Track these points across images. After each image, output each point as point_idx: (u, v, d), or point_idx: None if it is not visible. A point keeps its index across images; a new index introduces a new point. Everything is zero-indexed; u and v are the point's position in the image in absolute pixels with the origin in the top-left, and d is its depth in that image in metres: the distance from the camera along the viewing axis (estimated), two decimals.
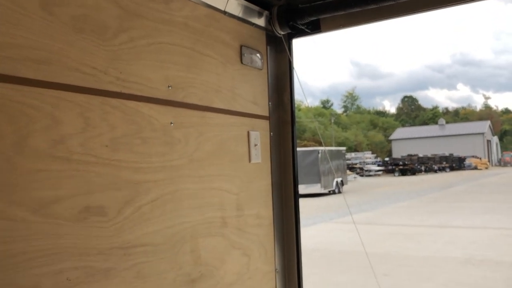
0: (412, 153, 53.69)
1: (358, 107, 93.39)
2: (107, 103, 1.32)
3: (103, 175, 1.30)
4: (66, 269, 1.19)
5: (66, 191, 1.20)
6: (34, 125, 1.14)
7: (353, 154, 51.41)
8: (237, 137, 1.85)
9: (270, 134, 2.06)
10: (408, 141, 66.67)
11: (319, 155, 23.57)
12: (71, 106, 1.22)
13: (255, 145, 1.94)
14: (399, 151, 63.02)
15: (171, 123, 1.54)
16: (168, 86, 1.54)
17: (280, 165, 2.09)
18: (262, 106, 2.02)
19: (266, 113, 2.04)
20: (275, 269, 2.03)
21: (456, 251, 8.87)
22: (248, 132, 1.91)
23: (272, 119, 2.07)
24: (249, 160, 1.90)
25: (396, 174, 43.47)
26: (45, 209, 1.15)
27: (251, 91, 1.95)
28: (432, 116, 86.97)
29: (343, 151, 28.77)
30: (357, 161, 47.71)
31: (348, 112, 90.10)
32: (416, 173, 43.68)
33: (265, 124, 2.03)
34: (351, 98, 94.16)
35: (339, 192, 24.98)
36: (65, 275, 1.19)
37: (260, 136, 1.98)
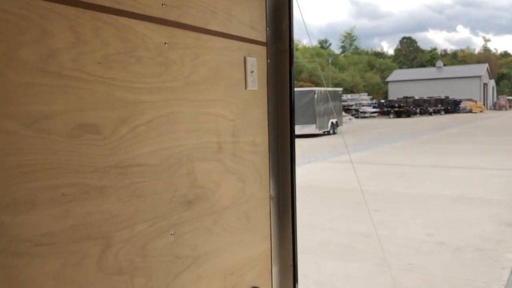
0: (408, 95, 53.59)
1: (356, 48, 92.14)
2: (98, 18, 1.28)
3: (96, 92, 1.28)
4: (62, 185, 1.20)
5: (59, 107, 1.18)
6: (23, 37, 1.10)
7: (349, 96, 51.31)
8: (233, 62, 1.82)
9: (267, 61, 2.02)
10: (405, 83, 66.37)
11: (315, 95, 23.51)
12: (61, 18, 1.18)
13: (252, 71, 1.91)
14: (395, 93, 62.88)
15: (165, 43, 1.50)
16: (162, 4, 1.48)
17: (277, 94, 2.07)
18: (259, 32, 1.97)
19: (264, 39, 1.99)
20: (270, 196, 2.05)
21: (447, 190, 9.06)
22: (245, 58, 1.87)
23: (270, 47, 2.03)
24: (245, 87, 1.87)
25: (391, 116, 43.61)
26: (39, 124, 1.14)
27: (249, 14, 1.89)
28: (430, 59, 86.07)
29: (340, 92, 28.66)
30: (353, 103, 47.69)
31: (346, 53, 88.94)
32: (411, 116, 43.83)
33: (262, 50, 1.99)
34: (349, 38, 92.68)
35: (334, 133, 25.16)
36: (61, 191, 1.20)
37: (257, 63, 1.94)
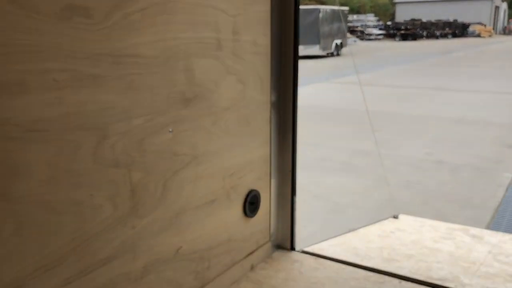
0: (416, 18, 52.00)
1: None
2: None
3: None
4: (52, 70, 1.14)
5: None
6: None
7: (355, 17, 49.82)
8: None
9: None
10: (413, 5, 64.17)
11: (320, 14, 22.78)
12: None
13: None
14: (403, 15, 60.97)
15: None
16: None
17: None
18: None
19: None
20: (271, 101, 2.00)
21: (450, 112, 9.02)
22: None
23: None
24: None
25: (397, 38, 42.62)
26: (24, 0, 1.06)
27: None
28: None
29: (346, 12, 27.76)
30: (359, 24, 46.43)
31: None
32: (417, 39, 42.82)
33: None
34: None
35: (338, 54, 24.69)
36: (51, 76, 1.14)
37: None
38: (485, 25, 53.05)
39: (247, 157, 1.91)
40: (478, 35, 48.63)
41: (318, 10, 22.85)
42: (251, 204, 1.95)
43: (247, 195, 1.93)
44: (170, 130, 1.52)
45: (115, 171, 1.35)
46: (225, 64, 1.72)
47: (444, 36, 46.25)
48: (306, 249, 2.18)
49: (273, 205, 2.13)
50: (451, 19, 50.81)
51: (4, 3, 1.03)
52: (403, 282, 1.91)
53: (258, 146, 1.98)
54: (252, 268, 2.00)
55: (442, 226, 2.55)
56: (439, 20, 49.72)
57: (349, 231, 2.48)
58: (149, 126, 1.44)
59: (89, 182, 1.28)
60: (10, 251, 1.11)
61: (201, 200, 1.69)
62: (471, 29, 49.76)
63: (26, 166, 1.12)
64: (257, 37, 1.86)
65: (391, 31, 44.73)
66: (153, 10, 1.39)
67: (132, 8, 1.32)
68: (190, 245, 1.67)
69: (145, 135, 1.43)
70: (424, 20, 49.57)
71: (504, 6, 65.52)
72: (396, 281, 1.92)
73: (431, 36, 45.07)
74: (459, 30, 48.48)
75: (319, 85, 13.19)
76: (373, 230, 2.46)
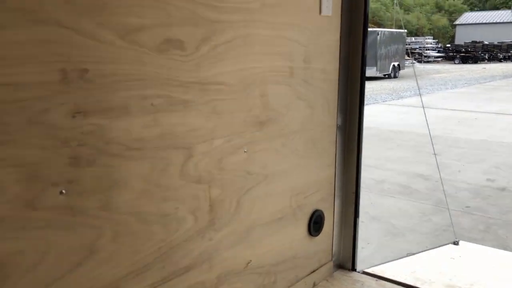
0: (477, 40, 50.45)
1: None
2: None
3: (181, 9, 1.34)
4: (150, 96, 1.29)
5: (149, 20, 1.26)
6: None
7: (413, 39, 48.99)
8: None
9: None
10: (474, 27, 62.31)
11: (378, 37, 22.64)
12: None
13: None
14: (463, 37, 59.27)
15: None
16: None
17: (351, 21, 2.05)
18: None
19: None
20: (337, 124, 2.09)
21: (511, 137, 8.70)
22: None
23: None
24: (320, 12, 1.87)
25: (456, 61, 41.45)
26: (131, 35, 1.22)
27: None
28: (505, 0, 79.84)
29: (404, 34, 27.40)
30: (417, 46, 45.57)
31: None
32: (478, 62, 41.47)
33: None
34: None
35: (395, 76, 24.35)
36: (150, 101, 1.29)
37: None
38: None
39: (313, 177, 2.00)
40: None
41: (376, 33, 22.73)
42: (315, 223, 2.03)
43: (312, 215, 2.01)
44: (245, 150, 1.64)
45: (198, 186, 1.48)
46: (296, 90, 1.83)
47: (508, 58, 44.54)
48: (367, 270, 2.22)
49: (336, 225, 2.20)
50: None
51: (116, 38, 1.19)
52: None
53: (324, 168, 2.06)
54: (314, 285, 2.07)
55: (505, 254, 2.51)
56: (502, 42, 48.02)
57: (408, 254, 2.50)
58: (227, 146, 1.57)
59: (176, 196, 1.41)
60: (108, 256, 1.25)
61: (270, 217, 1.80)
62: None
63: (125, 180, 1.27)
64: (326, 64, 1.97)
65: (451, 54, 43.59)
66: (236, 43, 1.53)
67: (218, 41, 1.46)
68: (258, 260, 1.77)
69: (223, 155, 1.56)
70: (486, 42, 48.05)
71: None
72: None
73: (493, 58, 43.52)
74: None
75: (376, 107, 13.08)
76: (434, 255, 2.47)
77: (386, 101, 14.33)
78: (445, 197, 4.83)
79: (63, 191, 1.13)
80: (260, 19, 1.61)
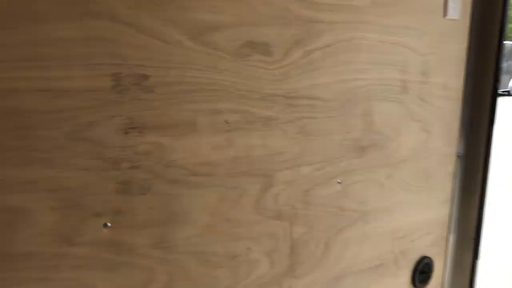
0: None
1: None
2: None
3: (270, 4, 1.09)
4: (225, 110, 1.06)
5: (228, 17, 1.02)
6: None
7: None
8: None
9: None
10: None
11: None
12: None
13: None
14: None
15: None
16: None
17: (483, 26, 1.68)
18: None
19: None
20: (457, 153, 1.73)
21: None
22: None
23: None
24: (444, 14, 1.53)
25: None
26: (204, 35, 0.99)
27: None
28: None
29: None
30: None
31: None
32: None
33: None
34: None
35: None
36: (223, 117, 1.06)
37: None
38: None
39: (422, 217, 1.67)
40: None
41: None
42: (421, 273, 1.69)
43: (418, 262, 1.68)
44: (339, 181, 1.36)
45: (276, 223, 1.23)
46: (409, 110, 1.51)
47: None
48: None
49: (448, 277, 1.83)
50: None
51: (185, 38, 0.97)
52: None
53: (437, 205, 1.72)
54: None
55: None
56: None
57: None
58: (317, 175, 1.29)
59: (248, 234, 1.17)
60: None
61: (365, 264, 1.49)
62: None
63: (186, 213, 1.04)
64: (449, 78, 1.62)
65: None
66: (337, 48, 1.25)
67: (314, 46, 1.19)
68: None
69: (311, 186, 1.29)
70: None
71: None
72: None
73: None
74: None
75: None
76: None
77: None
78: None
79: (108, 223, 0.94)
80: (368, 20, 1.32)
